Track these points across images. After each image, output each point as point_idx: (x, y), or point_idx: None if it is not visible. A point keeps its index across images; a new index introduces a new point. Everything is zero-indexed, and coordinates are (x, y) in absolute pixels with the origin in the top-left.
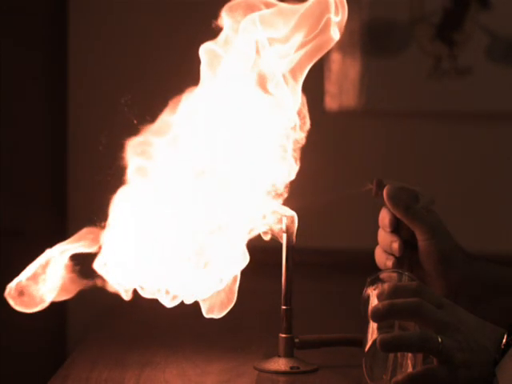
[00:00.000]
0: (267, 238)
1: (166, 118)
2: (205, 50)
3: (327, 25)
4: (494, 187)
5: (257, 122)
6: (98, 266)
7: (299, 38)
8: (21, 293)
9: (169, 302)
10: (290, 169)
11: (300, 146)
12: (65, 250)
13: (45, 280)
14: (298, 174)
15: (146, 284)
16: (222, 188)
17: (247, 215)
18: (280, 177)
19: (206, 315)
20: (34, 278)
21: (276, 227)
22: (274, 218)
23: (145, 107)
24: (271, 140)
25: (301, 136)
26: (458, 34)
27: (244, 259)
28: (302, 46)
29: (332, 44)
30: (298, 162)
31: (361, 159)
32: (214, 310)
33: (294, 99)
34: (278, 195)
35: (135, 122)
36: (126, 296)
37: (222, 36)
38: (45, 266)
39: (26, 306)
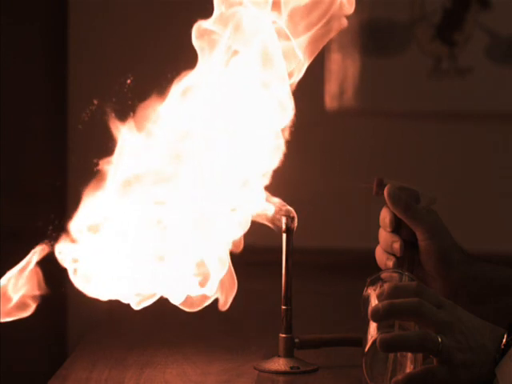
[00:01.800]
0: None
1: (156, 103)
2: (198, 28)
3: (336, 12)
4: (494, 187)
5: (250, 108)
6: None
7: (307, 21)
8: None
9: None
10: (278, 156)
11: (290, 131)
12: (38, 253)
13: (21, 285)
14: (299, 174)
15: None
16: (214, 179)
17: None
18: (268, 164)
19: (222, 308)
20: (12, 283)
21: (273, 218)
22: (273, 210)
23: (144, 94)
24: (264, 127)
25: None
26: (458, 34)
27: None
28: (309, 29)
29: (338, 30)
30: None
31: (361, 159)
32: (223, 301)
33: (290, 89)
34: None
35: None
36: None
37: (218, 13)
38: (22, 271)
39: (8, 314)
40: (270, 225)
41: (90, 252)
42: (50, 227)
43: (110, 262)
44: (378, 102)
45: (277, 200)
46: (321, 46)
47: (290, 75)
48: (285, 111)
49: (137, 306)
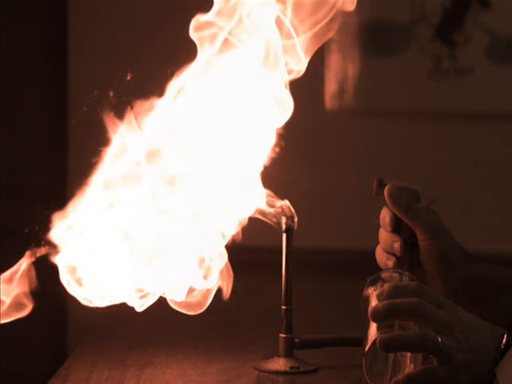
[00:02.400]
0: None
1: (154, 99)
2: (196, 21)
3: (339, 8)
4: (494, 187)
5: (248, 104)
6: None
7: (311, 17)
8: None
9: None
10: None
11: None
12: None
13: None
14: (298, 173)
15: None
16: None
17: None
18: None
19: (225, 297)
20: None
21: (271, 215)
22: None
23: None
24: (262, 124)
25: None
26: (458, 34)
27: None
28: (312, 25)
29: (339, 26)
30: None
31: (361, 159)
32: (225, 290)
33: (288, 86)
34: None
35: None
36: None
37: (217, 8)
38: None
39: (6, 315)
40: (269, 221)
41: (86, 256)
42: (40, 232)
43: (108, 264)
44: (378, 102)
45: (277, 199)
46: (321, 43)
47: (290, 72)
48: (284, 108)
49: (140, 308)
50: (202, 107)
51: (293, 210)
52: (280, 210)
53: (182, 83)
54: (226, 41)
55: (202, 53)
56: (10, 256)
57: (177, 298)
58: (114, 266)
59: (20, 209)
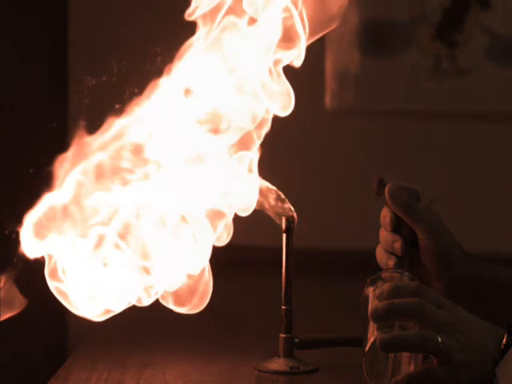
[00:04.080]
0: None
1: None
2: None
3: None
4: (494, 187)
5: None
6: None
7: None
8: None
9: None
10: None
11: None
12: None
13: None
14: (298, 173)
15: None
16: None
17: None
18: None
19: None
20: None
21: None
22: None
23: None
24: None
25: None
26: (458, 34)
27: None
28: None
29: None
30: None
31: (360, 159)
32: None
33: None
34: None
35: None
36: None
37: None
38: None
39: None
40: (270, 214)
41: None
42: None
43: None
44: (378, 102)
45: (275, 193)
46: (319, 37)
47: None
48: (284, 99)
49: (148, 300)
50: (197, 92)
51: (293, 210)
52: (280, 210)
53: (178, 64)
54: (226, 23)
55: (201, 31)
56: (6, 256)
57: (175, 285)
58: (110, 266)
59: (13, 208)
